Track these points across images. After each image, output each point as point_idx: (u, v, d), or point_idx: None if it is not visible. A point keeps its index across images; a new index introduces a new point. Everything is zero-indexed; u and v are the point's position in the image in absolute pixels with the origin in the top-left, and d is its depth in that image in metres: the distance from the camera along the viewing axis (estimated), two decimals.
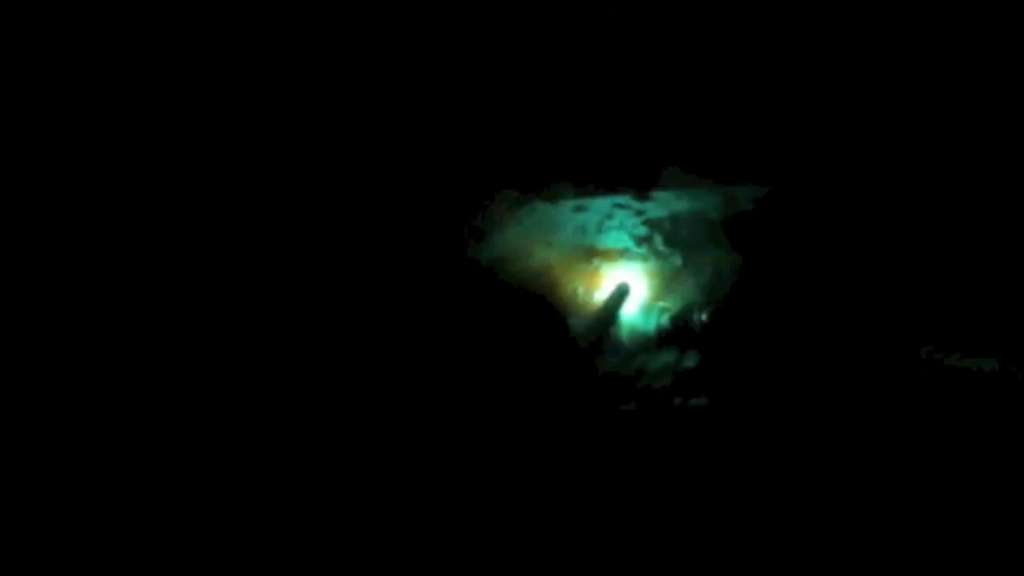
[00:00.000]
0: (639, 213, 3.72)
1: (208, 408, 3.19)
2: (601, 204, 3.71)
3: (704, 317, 3.70)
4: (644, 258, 3.85)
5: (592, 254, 3.90)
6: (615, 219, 3.77)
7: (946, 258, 3.36)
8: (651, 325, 3.78)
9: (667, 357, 3.57)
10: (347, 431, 3.19)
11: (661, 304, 3.84)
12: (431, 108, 3.56)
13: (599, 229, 3.81)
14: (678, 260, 3.79)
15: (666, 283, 3.84)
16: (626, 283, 3.75)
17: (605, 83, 3.48)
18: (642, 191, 3.58)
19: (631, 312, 3.78)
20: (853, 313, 3.47)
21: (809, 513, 2.89)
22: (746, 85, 3.28)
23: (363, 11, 3.39)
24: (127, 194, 3.36)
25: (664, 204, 3.66)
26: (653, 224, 3.77)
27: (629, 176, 3.55)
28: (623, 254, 3.88)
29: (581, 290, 3.87)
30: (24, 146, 3.20)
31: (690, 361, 3.52)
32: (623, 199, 3.67)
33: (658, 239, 3.79)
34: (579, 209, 3.74)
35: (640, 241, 3.81)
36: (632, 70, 3.40)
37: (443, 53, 3.47)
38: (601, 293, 3.85)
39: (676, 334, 3.74)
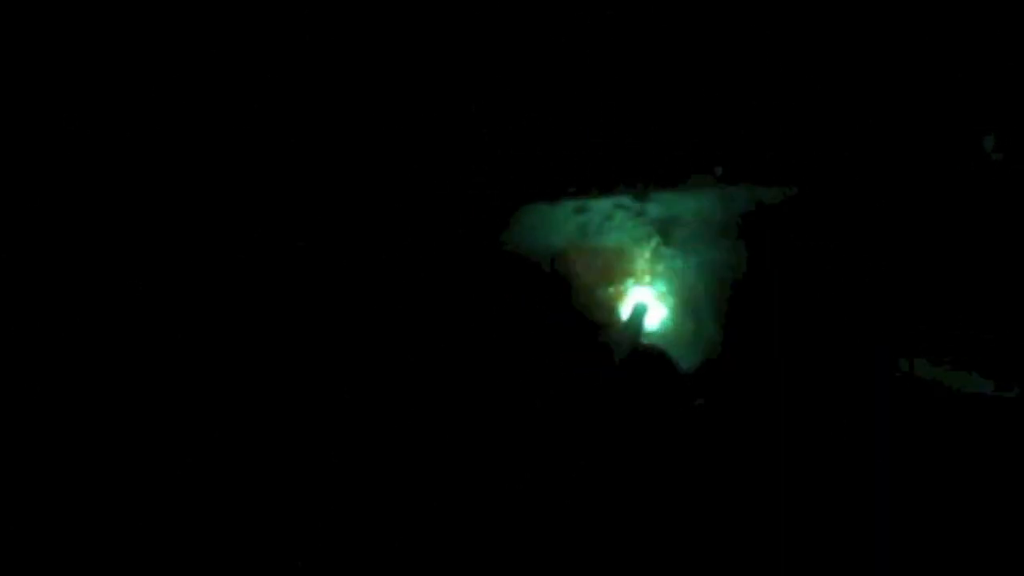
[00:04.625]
0: (639, 214, 3.72)
1: (211, 408, 3.21)
2: (602, 205, 3.71)
3: (704, 318, 3.70)
4: (644, 260, 3.84)
5: (597, 256, 3.89)
6: (615, 220, 3.76)
7: (950, 261, 3.34)
8: (651, 328, 3.77)
9: (666, 358, 3.55)
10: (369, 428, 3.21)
11: (661, 305, 3.83)
12: (434, 114, 3.58)
13: (600, 230, 3.81)
14: (679, 262, 3.78)
15: (666, 285, 3.82)
16: (643, 302, 3.74)
17: (604, 85, 3.48)
18: (642, 193, 3.59)
19: (651, 324, 3.76)
20: (855, 317, 3.45)
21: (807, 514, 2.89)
22: (743, 85, 3.28)
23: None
24: (127, 194, 3.39)
25: (664, 205, 3.66)
26: (653, 225, 3.76)
27: (628, 177, 3.56)
28: (624, 256, 3.86)
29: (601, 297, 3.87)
30: (24, 146, 3.22)
31: (690, 362, 3.52)
32: (624, 200, 3.67)
33: (658, 240, 3.78)
34: (580, 210, 3.74)
35: (640, 242, 3.80)
36: (630, 71, 3.40)
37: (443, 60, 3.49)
38: (618, 303, 3.84)
39: (676, 336, 3.74)
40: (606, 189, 3.65)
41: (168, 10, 3.32)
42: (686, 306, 3.77)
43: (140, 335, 3.26)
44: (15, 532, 2.65)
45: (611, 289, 3.84)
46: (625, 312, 3.76)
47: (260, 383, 3.31)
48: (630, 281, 3.84)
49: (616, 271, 3.84)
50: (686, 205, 3.67)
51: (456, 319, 3.63)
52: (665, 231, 3.76)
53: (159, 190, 3.42)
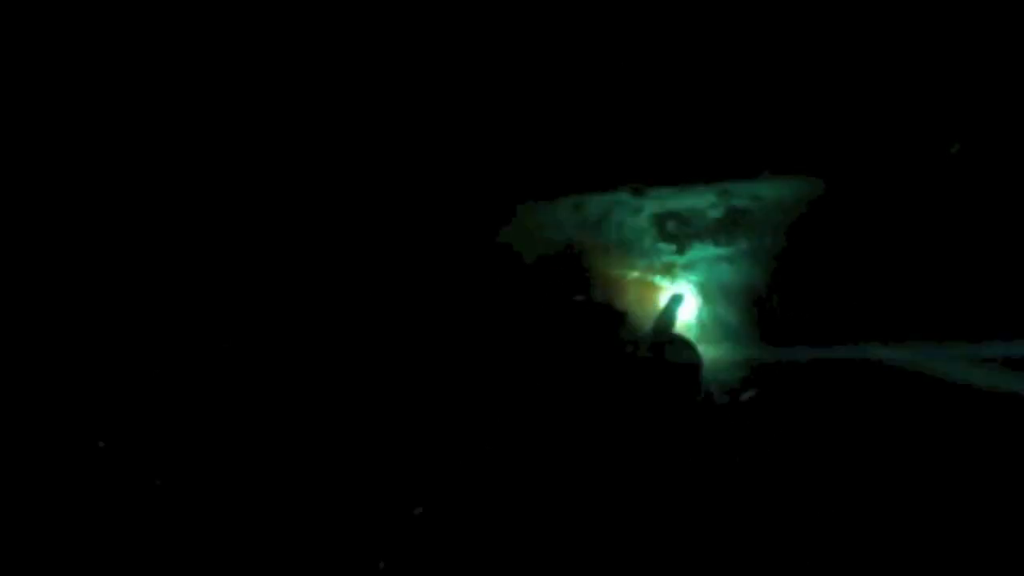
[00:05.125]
0: (637, 211, 3.71)
1: (217, 408, 3.22)
2: (599, 202, 3.71)
3: (702, 314, 3.72)
4: (644, 256, 3.84)
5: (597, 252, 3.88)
6: (613, 216, 3.76)
7: (947, 257, 3.32)
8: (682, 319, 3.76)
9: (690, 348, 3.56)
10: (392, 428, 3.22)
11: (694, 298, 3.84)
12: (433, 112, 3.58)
13: (598, 226, 3.81)
14: (676, 258, 3.78)
15: (665, 279, 3.83)
16: (680, 292, 3.74)
17: (602, 81, 3.48)
18: (638, 189, 3.58)
19: (687, 316, 3.76)
20: (853, 311, 3.44)
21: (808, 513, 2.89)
22: (740, 82, 3.27)
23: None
24: (130, 195, 3.40)
25: (662, 201, 3.65)
26: (651, 221, 3.76)
27: (626, 174, 3.56)
28: (623, 251, 3.86)
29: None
30: (24, 146, 3.24)
31: (686, 359, 3.52)
32: (621, 196, 3.66)
33: (655, 236, 3.78)
34: (578, 207, 3.74)
35: (638, 238, 3.80)
36: (627, 68, 3.39)
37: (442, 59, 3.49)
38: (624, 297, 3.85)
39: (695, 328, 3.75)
40: (604, 185, 3.65)
41: (168, 10, 3.33)
42: (682, 301, 3.76)
43: (139, 335, 3.28)
44: (15, 532, 2.67)
45: (610, 284, 3.84)
46: (661, 302, 3.76)
47: (264, 382, 3.32)
48: (631, 275, 3.86)
49: (615, 267, 3.86)
50: (683, 201, 3.66)
51: (463, 317, 3.63)
52: (662, 227, 3.75)
53: (159, 190, 3.44)
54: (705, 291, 3.83)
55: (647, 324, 3.61)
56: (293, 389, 3.33)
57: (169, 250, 3.40)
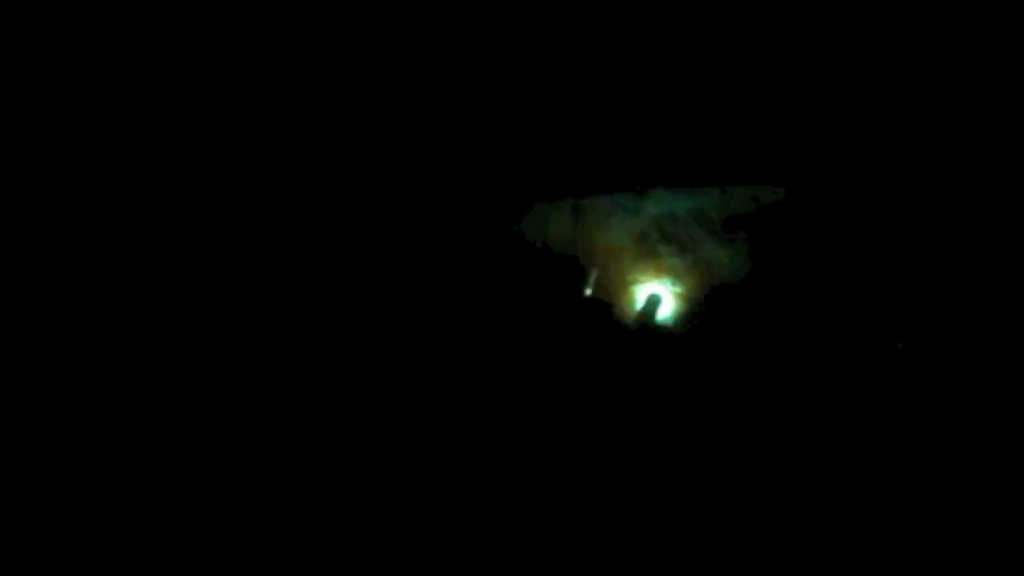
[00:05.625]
0: (637, 212, 3.74)
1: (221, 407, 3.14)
2: (600, 203, 3.73)
3: (700, 315, 3.75)
4: (642, 256, 3.86)
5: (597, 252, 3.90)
6: (613, 218, 3.79)
7: (940, 256, 3.41)
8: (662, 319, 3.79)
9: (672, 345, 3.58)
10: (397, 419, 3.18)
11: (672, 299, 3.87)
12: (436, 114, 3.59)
13: (598, 228, 3.83)
14: (676, 259, 3.81)
15: (664, 281, 3.86)
16: (657, 294, 3.76)
17: (603, 85, 3.51)
18: (640, 191, 3.62)
19: (664, 316, 3.78)
20: (850, 310, 3.51)
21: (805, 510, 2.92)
22: (740, 86, 3.34)
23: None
24: (133, 195, 3.33)
25: (662, 203, 3.69)
26: (651, 223, 3.80)
27: (627, 176, 3.60)
28: (623, 252, 3.88)
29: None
30: (25, 146, 3.15)
31: (686, 357, 3.54)
32: (622, 198, 3.70)
33: (656, 237, 3.81)
34: (578, 208, 3.76)
35: (638, 239, 3.83)
36: (628, 71, 3.44)
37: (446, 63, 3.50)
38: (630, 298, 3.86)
39: (672, 331, 3.77)
40: (605, 188, 3.68)
41: (168, 10, 3.27)
42: (680, 301, 3.80)
43: (139, 335, 3.19)
44: (15, 532, 2.57)
45: (612, 284, 3.85)
46: (639, 302, 3.78)
47: (264, 382, 3.25)
48: (630, 276, 3.88)
49: (614, 267, 3.87)
50: (683, 203, 3.71)
51: (468, 310, 3.62)
52: (662, 228, 3.79)
53: (161, 191, 3.37)
54: (701, 291, 3.87)
55: (632, 321, 3.65)
56: (293, 389, 3.27)
57: (169, 250, 3.32)
